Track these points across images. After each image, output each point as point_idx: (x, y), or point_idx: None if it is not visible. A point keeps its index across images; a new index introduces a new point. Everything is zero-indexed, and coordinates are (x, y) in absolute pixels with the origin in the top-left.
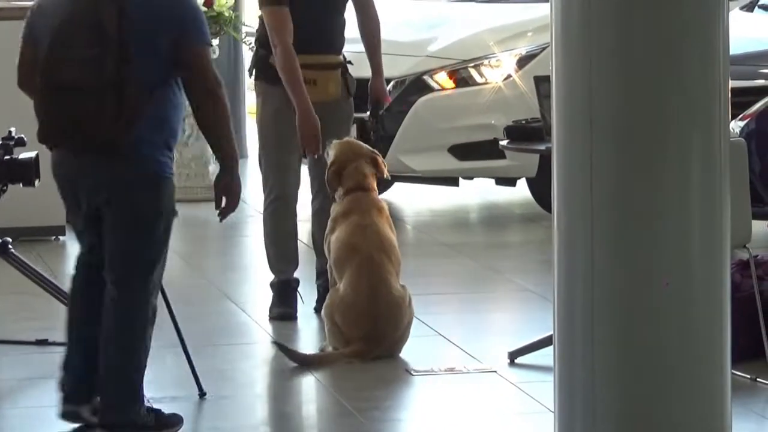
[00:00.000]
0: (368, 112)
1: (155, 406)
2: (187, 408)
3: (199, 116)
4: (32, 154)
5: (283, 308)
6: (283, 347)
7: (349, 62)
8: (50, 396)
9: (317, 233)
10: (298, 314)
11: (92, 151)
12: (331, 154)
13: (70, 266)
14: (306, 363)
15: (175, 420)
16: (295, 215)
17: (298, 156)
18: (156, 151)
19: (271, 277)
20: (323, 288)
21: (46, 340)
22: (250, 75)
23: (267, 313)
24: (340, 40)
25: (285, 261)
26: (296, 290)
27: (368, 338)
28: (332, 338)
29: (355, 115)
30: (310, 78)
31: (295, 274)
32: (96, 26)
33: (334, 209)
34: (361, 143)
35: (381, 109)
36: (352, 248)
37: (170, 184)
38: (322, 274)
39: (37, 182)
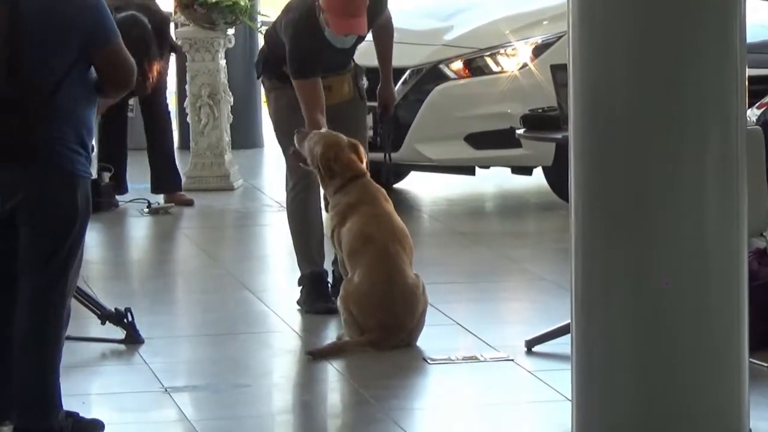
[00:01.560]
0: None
1: (173, 395)
2: (205, 397)
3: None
4: None
5: (325, 303)
6: (315, 353)
7: (358, 66)
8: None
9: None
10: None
11: (2, 156)
12: (315, 147)
13: (86, 255)
14: (322, 354)
15: (95, 425)
16: (320, 204)
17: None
18: (69, 150)
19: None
20: (339, 273)
21: None
22: (258, 76)
23: (300, 306)
24: (349, 65)
25: (317, 251)
26: (328, 281)
27: (385, 327)
28: (348, 328)
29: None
30: (325, 85)
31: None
32: None
33: (339, 200)
34: (338, 134)
35: (389, 116)
36: (366, 238)
37: (86, 182)
38: (337, 260)
39: None
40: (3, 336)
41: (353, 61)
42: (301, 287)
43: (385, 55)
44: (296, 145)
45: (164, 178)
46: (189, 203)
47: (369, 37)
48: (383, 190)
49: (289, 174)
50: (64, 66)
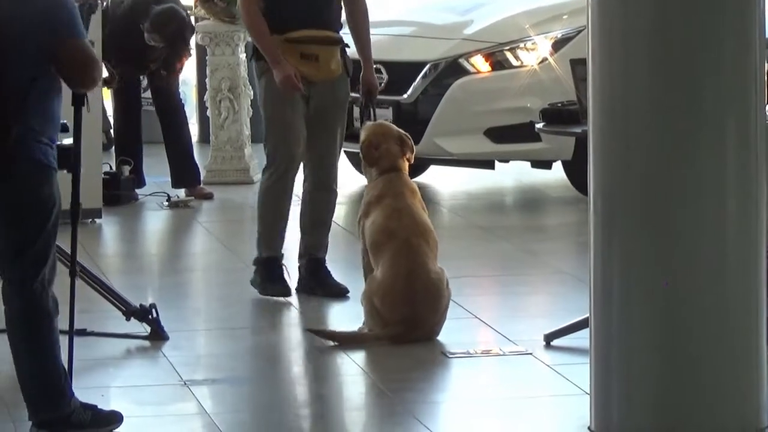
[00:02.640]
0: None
1: (192, 389)
2: (223, 390)
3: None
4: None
5: (279, 285)
6: (317, 331)
7: (347, 45)
8: (85, 379)
9: (307, 212)
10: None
11: None
12: (362, 134)
13: (106, 249)
14: (337, 340)
15: (114, 417)
16: (291, 194)
17: (304, 134)
18: (42, 144)
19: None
20: (305, 269)
21: (85, 330)
22: (250, 58)
23: (254, 286)
24: (337, 19)
25: (279, 238)
26: (283, 267)
27: (406, 321)
28: (371, 321)
29: (391, 97)
30: (311, 53)
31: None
32: None
33: (368, 192)
34: (391, 125)
35: (373, 100)
36: (389, 233)
37: (56, 174)
38: (304, 255)
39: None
40: None
41: (341, 36)
42: (255, 268)
43: (361, 35)
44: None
45: (183, 172)
46: (209, 197)
47: (382, 30)
48: (413, 185)
49: (269, 158)
50: (37, 62)
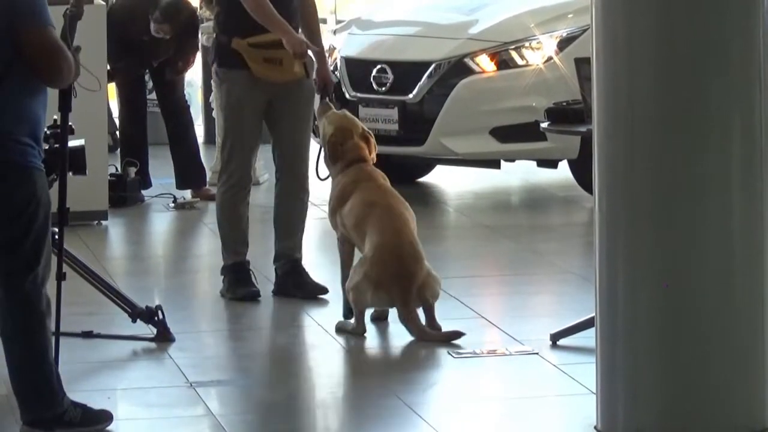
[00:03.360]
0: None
1: (199, 390)
2: (230, 392)
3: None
4: (80, 141)
5: (249, 288)
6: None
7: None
8: (90, 381)
9: (281, 214)
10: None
11: None
12: (328, 127)
13: (112, 250)
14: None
15: (104, 416)
16: (248, 199)
17: (259, 141)
18: (20, 144)
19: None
20: (282, 271)
21: (92, 331)
22: (212, 63)
23: (223, 295)
24: (297, 18)
25: (243, 243)
26: (250, 271)
27: (399, 276)
28: (356, 308)
29: (397, 97)
30: (276, 58)
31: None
32: None
33: (338, 183)
34: (355, 119)
35: (329, 94)
36: (370, 204)
37: (41, 174)
38: (280, 257)
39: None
40: None
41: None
42: (223, 277)
43: (311, 27)
44: (316, 116)
45: (188, 173)
46: (214, 198)
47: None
48: (382, 173)
49: (224, 166)
50: (4, 56)
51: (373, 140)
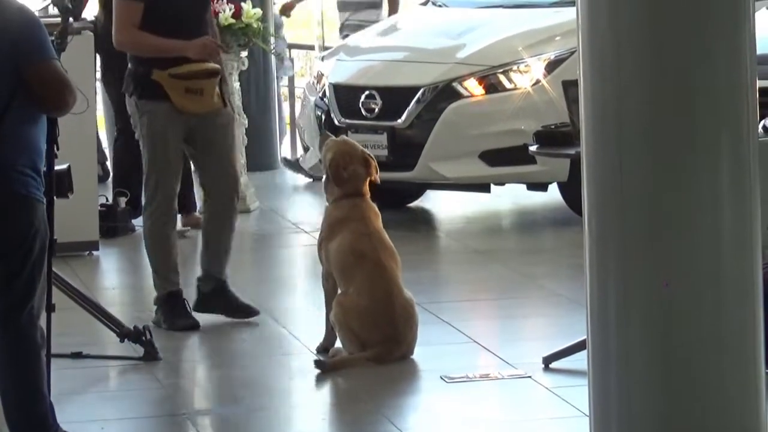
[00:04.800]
0: None
1: (192, 420)
2: (223, 420)
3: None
4: (64, 165)
5: (188, 319)
6: (319, 362)
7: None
8: (84, 411)
9: (210, 237)
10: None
11: None
12: (328, 153)
13: (103, 280)
14: (330, 368)
15: None
16: (176, 226)
17: (183, 169)
18: (21, 174)
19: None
20: (207, 289)
21: (81, 353)
22: (130, 95)
23: (159, 326)
24: (208, 28)
25: (175, 272)
26: (185, 301)
27: (388, 341)
28: (349, 344)
29: (386, 123)
30: (197, 88)
31: None
32: None
33: (329, 214)
34: (355, 143)
35: (211, 51)
36: (359, 255)
37: (41, 205)
38: (207, 277)
39: (70, 194)
40: None
41: (219, 67)
42: (156, 307)
43: None
44: (319, 149)
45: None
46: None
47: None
48: (376, 209)
49: (149, 196)
50: (8, 87)
51: (374, 163)
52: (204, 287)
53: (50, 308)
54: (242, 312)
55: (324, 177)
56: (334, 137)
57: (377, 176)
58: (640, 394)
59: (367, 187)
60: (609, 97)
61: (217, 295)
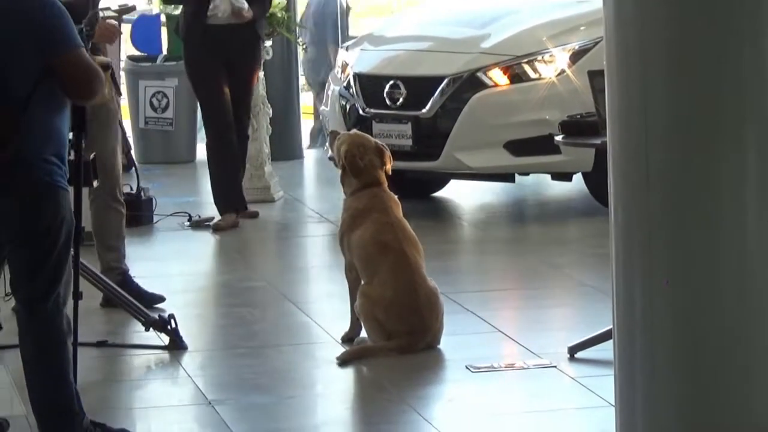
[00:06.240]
0: None
1: (217, 408)
2: (248, 410)
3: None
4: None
5: None
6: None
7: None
8: (109, 400)
9: (98, 228)
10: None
11: None
12: (342, 146)
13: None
14: (350, 358)
15: None
16: None
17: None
18: (45, 162)
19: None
20: (116, 283)
21: (106, 341)
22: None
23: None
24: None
25: None
26: None
27: (413, 331)
28: (374, 335)
29: (410, 112)
30: None
31: None
32: None
33: (349, 206)
34: (368, 135)
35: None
36: (383, 246)
37: (66, 194)
38: (107, 271)
39: (95, 183)
40: None
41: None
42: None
43: None
44: (328, 146)
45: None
46: (254, 215)
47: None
48: (395, 198)
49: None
50: (32, 76)
51: (388, 153)
52: (114, 281)
53: (77, 296)
54: (147, 300)
55: (340, 171)
56: (345, 132)
57: (389, 167)
58: (666, 383)
59: (384, 177)
60: (634, 88)
61: (123, 286)
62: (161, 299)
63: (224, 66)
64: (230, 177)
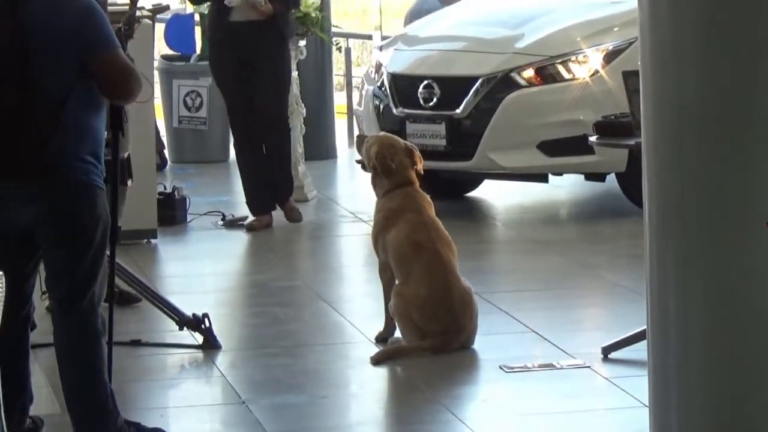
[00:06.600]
0: None
1: (252, 407)
2: (282, 409)
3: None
4: (124, 154)
5: None
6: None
7: None
8: (143, 399)
9: None
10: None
11: (13, 174)
12: (372, 148)
13: (162, 268)
14: (383, 358)
15: None
16: None
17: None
18: (82, 162)
19: None
20: None
21: (140, 340)
22: None
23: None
24: None
25: None
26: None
27: (447, 331)
28: (408, 335)
29: (444, 112)
30: None
31: None
32: None
33: (383, 206)
34: (397, 137)
35: None
36: (417, 246)
37: (102, 193)
38: None
39: (129, 182)
40: (15, 355)
41: None
42: None
43: None
44: (357, 150)
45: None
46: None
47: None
48: (428, 198)
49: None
50: (70, 76)
51: (417, 153)
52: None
53: (113, 296)
54: (125, 301)
55: (371, 174)
56: (373, 134)
57: (421, 167)
58: (700, 384)
59: (415, 176)
60: (669, 88)
61: None
62: (137, 299)
63: (247, 64)
64: (259, 177)
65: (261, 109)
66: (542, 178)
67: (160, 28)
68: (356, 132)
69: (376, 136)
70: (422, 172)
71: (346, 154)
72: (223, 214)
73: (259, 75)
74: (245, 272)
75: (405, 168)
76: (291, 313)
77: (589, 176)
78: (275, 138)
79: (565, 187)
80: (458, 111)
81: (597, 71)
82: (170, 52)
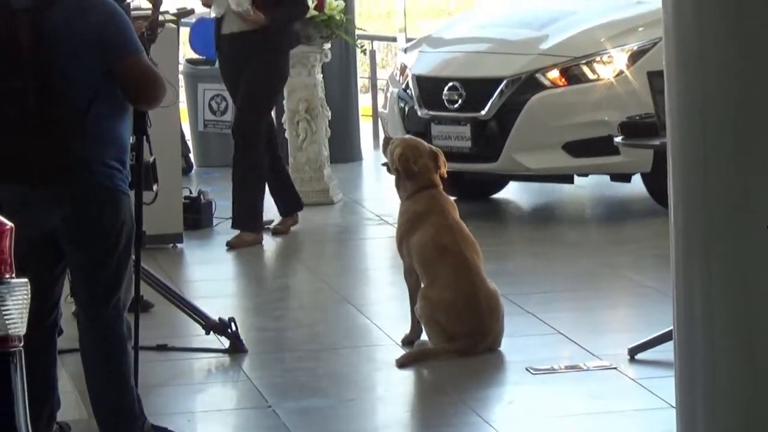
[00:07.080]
0: None
1: (278, 412)
2: (309, 413)
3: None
4: (149, 158)
5: None
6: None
7: None
8: (170, 403)
9: None
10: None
11: (37, 180)
12: (396, 150)
13: (188, 272)
14: (409, 361)
15: None
16: None
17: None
18: (106, 167)
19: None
20: None
21: (166, 345)
22: None
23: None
24: None
25: None
26: None
27: (474, 334)
28: (435, 337)
29: (469, 114)
30: None
31: None
32: (14, 53)
33: (407, 209)
34: (421, 140)
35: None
36: (442, 248)
37: (127, 198)
38: None
39: (155, 186)
40: (42, 361)
41: None
42: None
43: None
44: (383, 152)
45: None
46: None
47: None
48: (452, 200)
49: None
50: (94, 82)
51: (442, 157)
52: None
53: (138, 300)
54: (142, 308)
55: (395, 177)
56: (398, 137)
57: (445, 170)
58: (727, 385)
59: (439, 179)
60: (694, 88)
61: None
62: (150, 305)
63: (238, 76)
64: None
65: (234, 123)
66: (567, 179)
67: (184, 32)
68: (381, 134)
69: (401, 139)
70: (446, 176)
71: (371, 157)
72: None
73: (241, 87)
74: (271, 276)
75: (428, 171)
76: (317, 316)
77: (615, 177)
78: (237, 155)
79: (591, 188)
80: (483, 112)
81: (622, 72)
82: (195, 56)
